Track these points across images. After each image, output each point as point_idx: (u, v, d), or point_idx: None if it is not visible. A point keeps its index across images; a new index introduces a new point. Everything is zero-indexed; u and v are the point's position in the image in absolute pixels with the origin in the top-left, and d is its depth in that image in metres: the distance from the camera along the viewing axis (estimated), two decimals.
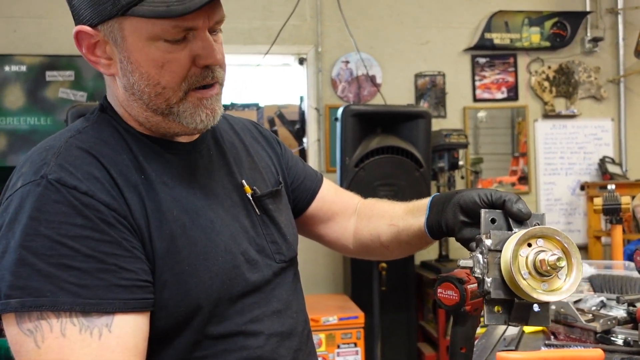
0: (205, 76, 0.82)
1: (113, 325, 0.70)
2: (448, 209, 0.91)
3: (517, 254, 0.73)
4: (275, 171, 1.06)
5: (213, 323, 0.83)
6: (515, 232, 0.77)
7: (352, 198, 1.22)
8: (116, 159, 0.80)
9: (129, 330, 0.72)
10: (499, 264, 0.74)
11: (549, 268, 0.72)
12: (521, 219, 0.80)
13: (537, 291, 0.72)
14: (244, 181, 0.95)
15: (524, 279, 0.72)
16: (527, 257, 0.73)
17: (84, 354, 0.68)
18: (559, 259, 0.71)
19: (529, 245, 0.74)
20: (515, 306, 0.75)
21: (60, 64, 3.49)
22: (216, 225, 0.86)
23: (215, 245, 0.84)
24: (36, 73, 3.45)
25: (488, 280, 0.74)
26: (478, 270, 0.75)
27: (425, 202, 1.00)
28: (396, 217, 1.07)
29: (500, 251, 0.75)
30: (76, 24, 0.81)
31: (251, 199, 0.95)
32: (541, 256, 0.73)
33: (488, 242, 0.76)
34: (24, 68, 3.44)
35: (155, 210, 0.80)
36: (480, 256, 0.76)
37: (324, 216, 1.17)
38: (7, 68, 3.42)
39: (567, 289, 0.74)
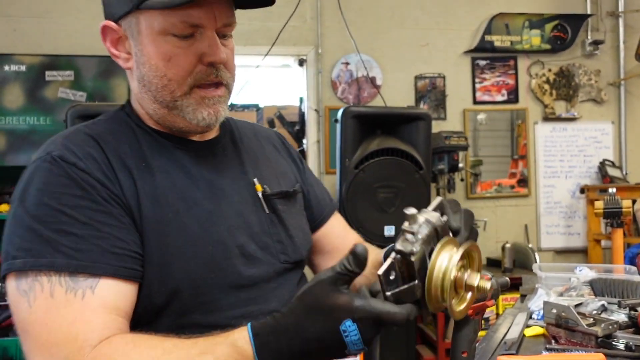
0: (209, 73, 0.87)
1: (97, 288, 0.75)
2: None
3: (449, 272, 0.67)
4: (294, 179, 1.09)
5: (201, 312, 0.84)
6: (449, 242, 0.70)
7: (356, 240, 1.20)
8: (117, 146, 0.87)
9: (112, 293, 0.76)
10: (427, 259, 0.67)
11: (463, 288, 0.70)
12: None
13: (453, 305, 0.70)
14: (255, 180, 0.98)
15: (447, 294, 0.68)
16: (452, 273, 0.68)
17: (67, 312, 0.73)
18: (479, 284, 0.69)
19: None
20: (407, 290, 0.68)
21: (60, 63, 3.48)
22: (213, 217, 0.89)
23: (208, 234, 0.87)
24: (36, 73, 3.44)
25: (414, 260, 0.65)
26: (417, 247, 0.66)
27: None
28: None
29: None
30: (105, 19, 0.90)
31: (261, 197, 0.98)
32: (467, 278, 0.69)
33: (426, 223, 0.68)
34: (23, 68, 3.43)
35: (150, 193, 0.85)
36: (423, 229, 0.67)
37: (323, 248, 1.17)
38: (6, 67, 3.41)
39: (461, 310, 0.72)
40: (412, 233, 0.66)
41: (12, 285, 0.76)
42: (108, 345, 0.71)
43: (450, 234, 0.74)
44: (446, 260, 0.67)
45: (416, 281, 0.66)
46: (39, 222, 0.76)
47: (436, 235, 0.69)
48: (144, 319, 0.82)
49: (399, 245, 0.66)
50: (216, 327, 0.81)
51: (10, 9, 3.72)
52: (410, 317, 0.66)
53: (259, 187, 0.98)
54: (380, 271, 0.65)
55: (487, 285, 0.69)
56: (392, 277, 0.66)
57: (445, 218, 0.73)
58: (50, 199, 0.78)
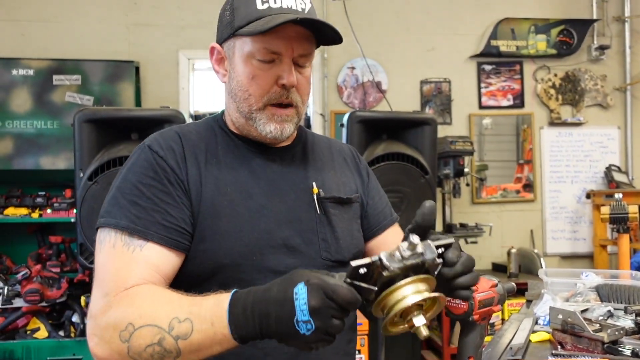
0: (282, 94, 1.05)
1: (144, 248, 0.94)
2: None
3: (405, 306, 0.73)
4: (354, 189, 1.21)
5: (240, 287, 0.89)
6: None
7: None
8: (195, 142, 1.08)
9: (155, 255, 0.95)
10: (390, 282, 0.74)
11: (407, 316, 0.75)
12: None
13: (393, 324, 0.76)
14: (314, 183, 1.12)
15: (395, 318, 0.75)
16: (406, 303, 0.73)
17: (119, 260, 0.94)
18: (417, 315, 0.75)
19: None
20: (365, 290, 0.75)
21: (67, 68, 3.50)
22: (264, 210, 1.05)
23: (256, 223, 1.03)
24: (43, 77, 3.46)
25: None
26: (395, 265, 0.73)
27: None
28: None
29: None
30: (216, 42, 1.12)
31: (316, 199, 1.11)
32: (414, 316, 0.75)
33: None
34: (31, 72, 3.45)
35: (212, 183, 1.03)
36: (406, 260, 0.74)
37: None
38: (14, 72, 3.43)
39: (391, 331, 0.77)
40: (402, 256, 0.73)
41: (97, 236, 0.99)
42: (135, 289, 0.90)
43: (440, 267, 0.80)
44: (410, 293, 0.73)
45: (376, 288, 0.73)
46: (121, 192, 0.99)
47: (422, 267, 0.75)
48: (192, 285, 0.95)
49: (384, 256, 0.72)
50: None
51: (19, 14, 3.75)
52: (353, 301, 0.73)
53: (315, 190, 1.12)
54: (354, 263, 0.72)
55: (424, 332, 0.74)
56: (361, 272, 0.73)
57: (440, 261, 0.79)
58: (132, 176, 1.00)
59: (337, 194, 1.15)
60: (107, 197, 1.02)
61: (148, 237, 0.95)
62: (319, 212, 1.10)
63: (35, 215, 3.35)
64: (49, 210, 3.33)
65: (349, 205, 1.16)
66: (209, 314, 0.81)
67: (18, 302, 3.13)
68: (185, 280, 0.99)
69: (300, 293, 0.73)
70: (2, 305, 3.12)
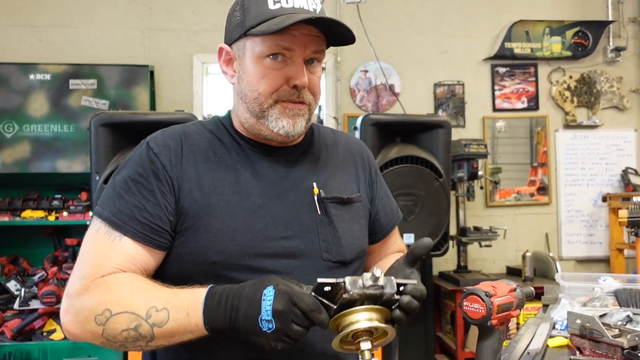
0: (292, 94, 1.04)
1: (122, 240, 0.98)
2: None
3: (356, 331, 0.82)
4: (356, 189, 1.19)
5: (234, 283, 0.96)
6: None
7: (398, 249, 1.33)
8: (196, 141, 1.08)
9: (131, 248, 0.98)
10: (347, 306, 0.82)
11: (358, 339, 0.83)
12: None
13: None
14: (314, 184, 1.11)
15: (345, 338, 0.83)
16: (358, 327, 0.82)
17: (99, 246, 0.99)
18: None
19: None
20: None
21: (84, 72, 3.54)
22: (261, 211, 1.05)
23: (251, 224, 1.03)
24: (60, 81, 3.50)
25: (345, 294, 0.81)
26: (355, 291, 0.81)
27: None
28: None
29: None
30: (224, 42, 1.12)
31: (316, 199, 1.10)
32: (362, 341, 0.82)
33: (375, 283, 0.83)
34: (48, 76, 3.50)
35: (210, 182, 1.04)
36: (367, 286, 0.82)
37: (375, 253, 1.29)
38: (32, 76, 3.48)
39: (339, 347, 0.84)
40: (363, 285, 0.81)
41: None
42: (113, 276, 0.95)
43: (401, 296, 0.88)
44: (362, 319, 0.82)
45: (335, 307, 0.82)
46: (114, 185, 1.03)
47: (380, 298, 0.84)
48: (183, 282, 0.97)
49: (347, 281, 0.81)
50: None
51: (36, 20, 3.81)
52: (315, 310, 0.80)
53: (316, 190, 1.11)
54: (320, 279, 0.81)
55: (367, 356, 0.82)
56: (326, 289, 0.81)
57: (397, 297, 0.86)
58: (126, 170, 1.04)
59: (339, 193, 1.14)
60: (107, 186, 1.08)
61: (124, 231, 0.98)
62: (319, 213, 1.10)
63: (51, 217, 3.39)
64: (65, 213, 3.37)
65: (350, 204, 1.15)
66: (185, 304, 0.88)
67: (35, 304, 3.16)
68: (176, 276, 1.01)
69: (268, 295, 0.82)
70: (19, 306, 3.16)
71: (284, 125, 1.05)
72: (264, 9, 1.02)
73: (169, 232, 1.01)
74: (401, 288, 0.86)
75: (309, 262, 1.05)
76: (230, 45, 1.09)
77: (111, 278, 0.95)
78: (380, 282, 0.82)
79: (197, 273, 1.00)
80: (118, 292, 0.92)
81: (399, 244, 1.34)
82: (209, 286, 0.89)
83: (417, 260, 0.96)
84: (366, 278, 0.81)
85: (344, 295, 0.80)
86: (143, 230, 0.99)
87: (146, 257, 1.00)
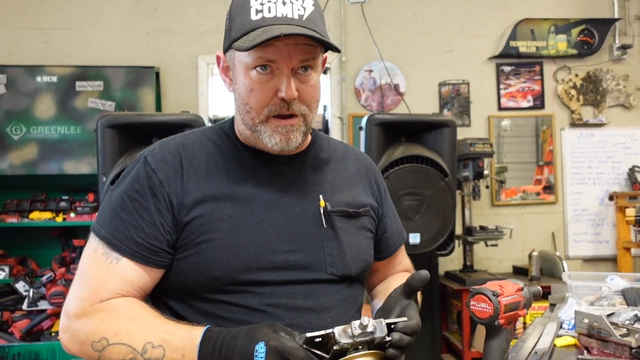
0: (282, 107, 1.00)
1: (120, 262, 0.98)
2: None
3: None
4: (362, 203, 1.16)
5: (237, 300, 0.99)
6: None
7: (404, 268, 1.33)
8: (196, 154, 1.06)
9: (129, 270, 0.98)
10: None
11: None
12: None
13: None
14: (320, 196, 1.09)
15: None
16: None
17: (97, 268, 0.98)
18: None
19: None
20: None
21: (90, 74, 3.56)
22: (264, 224, 1.02)
23: (254, 238, 1.01)
24: (66, 83, 3.52)
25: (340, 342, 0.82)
26: (345, 341, 0.82)
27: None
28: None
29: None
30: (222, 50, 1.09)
31: (322, 212, 1.08)
32: None
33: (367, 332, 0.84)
34: (54, 79, 3.52)
35: (211, 195, 1.02)
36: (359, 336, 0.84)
37: (380, 271, 1.29)
38: (38, 79, 3.51)
39: None
40: (352, 334, 0.83)
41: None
42: (112, 303, 0.95)
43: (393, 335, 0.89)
44: None
45: (328, 357, 0.82)
46: (110, 201, 1.02)
47: (372, 342, 0.85)
48: (186, 296, 1.00)
49: (337, 331, 0.82)
50: (248, 308, 0.99)
51: (42, 22, 3.83)
52: None
53: (322, 203, 1.08)
54: (309, 334, 0.82)
55: None
56: (316, 340, 0.82)
57: (389, 338, 0.87)
58: (123, 186, 1.03)
59: (346, 207, 1.11)
60: (104, 199, 1.07)
61: (121, 252, 0.98)
62: (325, 226, 1.07)
63: (59, 219, 3.41)
64: (72, 214, 3.39)
65: (356, 219, 1.13)
66: (181, 345, 0.88)
67: (43, 305, 3.19)
68: (178, 289, 1.02)
69: (260, 352, 0.81)
70: (27, 307, 3.19)
71: (277, 142, 1.02)
72: (247, 19, 0.98)
73: (167, 251, 1.00)
74: (392, 326, 0.88)
75: (313, 275, 1.04)
76: (225, 53, 1.07)
77: (109, 305, 0.95)
78: (369, 328, 0.84)
79: (200, 287, 1.00)
80: (116, 321, 0.92)
81: (405, 263, 1.33)
82: (205, 328, 0.89)
83: (415, 292, 0.98)
84: (355, 327, 0.83)
85: (335, 347, 0.82)
86: (140, 250, 0.98)
87: (144, 277, 0.99)
